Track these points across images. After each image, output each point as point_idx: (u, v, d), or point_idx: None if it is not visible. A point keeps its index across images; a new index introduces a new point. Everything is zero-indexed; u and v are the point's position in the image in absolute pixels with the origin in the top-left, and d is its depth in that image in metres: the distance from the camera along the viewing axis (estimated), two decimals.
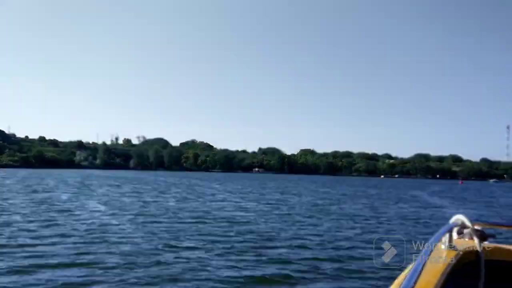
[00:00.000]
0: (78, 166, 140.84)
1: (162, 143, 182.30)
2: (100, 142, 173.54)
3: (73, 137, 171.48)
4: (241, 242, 11.63)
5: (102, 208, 19.93)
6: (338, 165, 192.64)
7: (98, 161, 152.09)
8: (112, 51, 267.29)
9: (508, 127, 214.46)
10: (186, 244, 11.10)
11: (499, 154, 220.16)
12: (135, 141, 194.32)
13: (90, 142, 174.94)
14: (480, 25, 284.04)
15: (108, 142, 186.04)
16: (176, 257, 9.33)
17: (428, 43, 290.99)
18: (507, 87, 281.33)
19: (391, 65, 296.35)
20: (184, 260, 9.06)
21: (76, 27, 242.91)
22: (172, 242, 11.16)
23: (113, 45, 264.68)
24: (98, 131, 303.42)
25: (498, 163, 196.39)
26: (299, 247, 11.20)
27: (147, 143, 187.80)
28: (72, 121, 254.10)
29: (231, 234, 12.95)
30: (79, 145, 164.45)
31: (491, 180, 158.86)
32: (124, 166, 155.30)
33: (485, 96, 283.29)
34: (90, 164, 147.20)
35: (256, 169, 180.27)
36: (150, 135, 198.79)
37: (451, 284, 1.65)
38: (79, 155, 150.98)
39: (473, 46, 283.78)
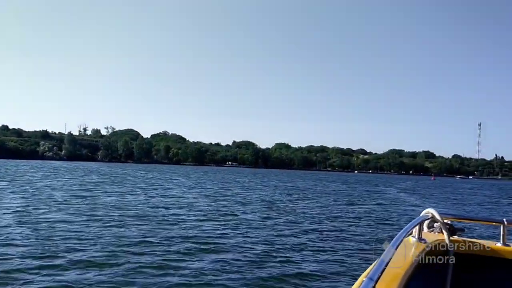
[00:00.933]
0: (41, 157, 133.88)
1: (132, 135, 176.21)
2: (68, 132, 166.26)
3: (41, 128, 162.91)
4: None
5: None
6: (313, 159, 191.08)
7: (63, 152, 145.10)
8: (86, 38, 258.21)
9: (479, 125, 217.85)
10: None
11: (470, 151, 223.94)
12: (104, 132, 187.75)
13: (57, 132, 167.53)
14: (454, 20, 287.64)
15: (76, 133, 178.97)
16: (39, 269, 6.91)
17: (402, 41, 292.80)
18: (480, 85, 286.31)
19: (367, 62, 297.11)
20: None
21: (44, 10, 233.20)
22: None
23: (87, 32, 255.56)
24: (66, 121, 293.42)
25: (469, 160, 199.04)
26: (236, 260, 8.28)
27: (116, 134, 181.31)
28: (39, 110, 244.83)
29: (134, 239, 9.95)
30: (44, 135, 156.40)
31: (458, 177, 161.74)
32: (92, 158, 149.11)
33: (458, 94, 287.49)
34: (55, 155, 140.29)
35: (229, 163, 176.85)
36: (121, 126, 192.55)
37: (419, 276, 1.65)
38: (43, 146, 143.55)
39: (447, 43, 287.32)
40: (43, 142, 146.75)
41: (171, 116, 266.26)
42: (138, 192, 24.51)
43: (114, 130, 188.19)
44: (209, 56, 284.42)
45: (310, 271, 7.59)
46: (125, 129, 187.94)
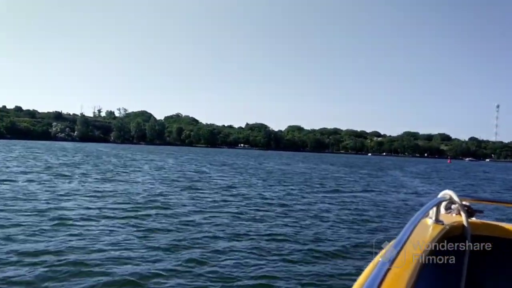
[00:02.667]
0: (54, 138, 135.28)
1: (145, 117, 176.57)
2: (81, 114, 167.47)
3: (56, 109, 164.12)
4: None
5: None
6: (326, 142, 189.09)
7: (76, 133, 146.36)
8: (98, 24, 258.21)
9: (497, 106, 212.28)
10: None
11: (487, 133, 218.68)
12: (117, 114, 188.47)
13: (71, 113, 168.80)
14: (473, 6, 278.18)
15: (91, 115, 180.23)
16: None
17: (416, 22, 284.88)
18: (497, 66, 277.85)
19: (380, 43, 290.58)
20: None
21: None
22: None
23: (99, 18, 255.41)
24: (82, 103, 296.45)
25: (486, 142, 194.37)
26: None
27: (129, 116, 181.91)
28: (55, 92, 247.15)
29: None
30: (57, 116, 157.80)
31: (467, 159, 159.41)
32: (104, 139, 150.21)
33: (475, 75, 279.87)
34: (67, 136, 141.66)
35: (242, 145, 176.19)
36: (135, 108, 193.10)
37: (436, 258, 1.67)
38: (55, 127, 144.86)
39: (463, 26, 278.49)
40: (55, 123, 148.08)
41: (184, 98, 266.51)
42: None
43: (127, 112, 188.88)
44: (222, 39, 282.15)
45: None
46: (139, 111, 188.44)
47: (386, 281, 0.95)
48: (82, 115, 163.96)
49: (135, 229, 8.78)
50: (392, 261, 1.11)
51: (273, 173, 31.10)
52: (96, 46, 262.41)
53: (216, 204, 13.07)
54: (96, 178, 19.51)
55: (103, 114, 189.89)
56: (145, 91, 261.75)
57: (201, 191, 16.34)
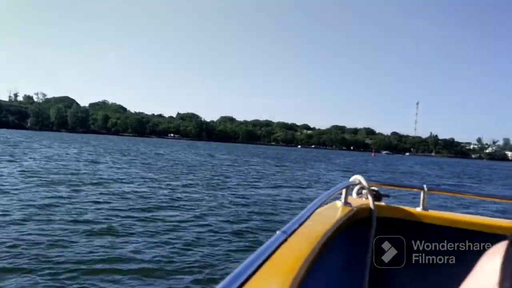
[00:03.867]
0: None
1: (68, 103, 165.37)
2: None
3: None
4: None
5: None
6: (257, 133, 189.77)
7: None
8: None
9: (417, 103, 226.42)
10: None
11: (408, 129, 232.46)
12: (36, 99, 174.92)
13: None
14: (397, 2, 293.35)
15: (6, 99, 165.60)
16: None
17: (345, 16, 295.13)
18: (418, 65, 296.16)
19: (309, 37, 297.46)
20: None
21: None
22: None
23: None
24: None
25: (406, 137, 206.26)
26: None
27: (50, 101, 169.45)
28: None
29: None
30: None
31: (383, 152, 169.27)
32: (20, 126, 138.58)
33: (398, 73, 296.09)
34: None
35: (172, 134, 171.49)
36: (57, 94, 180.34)
37: (341, 236, 1.71)
38: None
39: (391, 24, 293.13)
40: None
41: (111, 85, 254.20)
42: None
43: (47, 97, 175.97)
44: (153, 22, 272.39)
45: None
46: (61, 97, 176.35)
47: (280, 251, 0.91)
48: None
49: None
50: (290, 234, 1.06)
51: (178, 164, 29.26)
52: (13, 25, 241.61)
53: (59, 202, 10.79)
54: None
55: (20, 98, 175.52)
56: (68, 76, 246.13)
57: (55, 186, 13.63)
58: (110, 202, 11.24)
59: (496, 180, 38.67)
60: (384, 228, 2.20)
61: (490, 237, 2.10)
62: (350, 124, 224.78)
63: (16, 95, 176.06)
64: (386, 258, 2.24)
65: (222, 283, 0.59)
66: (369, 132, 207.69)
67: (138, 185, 15.46)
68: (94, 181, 15.44)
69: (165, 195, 13.25)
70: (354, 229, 1.97)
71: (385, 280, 2.27)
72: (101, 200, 11.55)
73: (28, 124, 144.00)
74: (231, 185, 17.60)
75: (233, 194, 14.80)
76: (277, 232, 1.00)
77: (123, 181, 16.40)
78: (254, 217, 10.49)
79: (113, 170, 20.71)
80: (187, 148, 66.46)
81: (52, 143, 49.66)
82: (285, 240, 0.98)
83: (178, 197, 13.05)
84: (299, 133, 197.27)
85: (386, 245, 2.25)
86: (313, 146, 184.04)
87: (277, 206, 12.75)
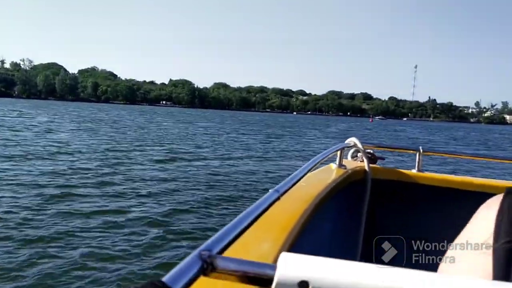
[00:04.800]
0: None
1: (55, 69, 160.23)
2: None
3: None
4: None
5: None
6: (252, 100, 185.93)
7: None
8: None
9: (415, 67, 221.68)
10: None
11: (406, 93, 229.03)
12: (23, 66, 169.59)
13: None
14: None
15: None
16: None
17: None
18: (416, 27, 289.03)
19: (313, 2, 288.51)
20: None
21: None
22: None
23: None
24: None
25: (404, 102, 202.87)
26: None
27: (37, 68, 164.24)
28: None
29: None
30: None
31: (377, 117, 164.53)
32: (6, 94, 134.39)
33: (395, 36, 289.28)
34: None
35: (164, 102, 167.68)
36: (44, 61, 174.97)
37: (335, 198, 1.71)
38: None
39: None
40: None
41: (101, 51, 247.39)
42: None
43: (34, 64, 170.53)
44: None
45: None
46: (48, 63, 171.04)
47: (272, 209, 0.88)
48: None
49: None
50: (282, 193, 1.01)
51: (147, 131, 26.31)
52: None
53: None
54: None
55: (7, 65, 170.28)
56: (55, 42, 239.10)
57: None
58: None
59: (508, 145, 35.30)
60: (379, 190, 2.21)
61: (486, 197, 1.98)
62: (347, 89, 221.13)
63: (3, 62, 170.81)
64: (380, 220, 2.27)
65: (213, 238, 0.55)
66: (366, 97, 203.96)
67: (91, 158, 12.91)
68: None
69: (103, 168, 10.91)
70: (348, 191, 1.98)
71: (377, 242, 2.11)
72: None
73: (16, 92, 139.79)
74: (205, 156, 14.85)
75: (205, 166, 12.37)
76: (270, 190, 0.96)
77: (72, 152, 13.93)
78: (221, 195, 8.51)
79: (68, 140, 17.85)
80: (174, 115, 63.46)
81: (28, 111, 46.40)
82: (278, 198, 0.94)
83: (120, 172, 10.65)
84: (294, 99, 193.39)
85: (380, 207, 2.25)
86: (309, 112, 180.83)
87: (255, 180, 10.55)
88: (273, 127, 45.42)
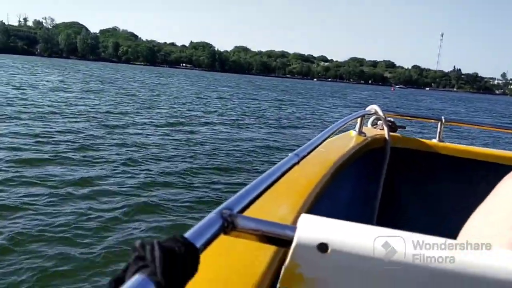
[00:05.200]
0: None
1: (77, 28, 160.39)
2: (8, 23, 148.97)
3: None
4: None
5: None
6: (272, 65, 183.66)
7: None
8: None
9: (442, 35, 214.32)
10: None
11: (430, 62, 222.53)
12: (45, 24, 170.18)
13: None
14: None
15: (15, 23, 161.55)
16: None
17: None
18: None
19: None
20: None
21: None
22: None
23: None
24: (8, 11, 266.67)
25: (428, 71, 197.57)
26: None
27: (59, 26, 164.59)
28: None
29: None
30: None
31: (397, 86, 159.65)
32: (29, 52, 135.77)
33: (423, 2, 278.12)
34: None
35: (184, 64, 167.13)
36: (66, 19, 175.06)
37: (354, 165, 1.72)
38: None
39: None
40: None
41: (122, 11, 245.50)
42: None
43: (56, 23, 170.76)
44: None
45: None
46: (70, 22, 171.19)
47: (291, 173, 0.87)
48: (2, 23, 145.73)
49: None
50: (302, 157, 0.99)
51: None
52: None
53: None
54: None
55: (29, 23, 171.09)
56: (77, 1, 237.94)
57: None
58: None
59: None
60: (398, 159, 2.18)
61: (509, 169, 2.05)
62: (369, 57, 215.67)
63: (25, 19, 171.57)
64: (398, 188, 2.25)
65: (233, 197, 0.55)
66: (389, 65, 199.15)
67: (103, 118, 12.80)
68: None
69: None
70: (367, 159, 1.97)
71: (394, 210, 2.26)
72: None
73: (38, 51, 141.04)
74: (215, 121, 14.65)
75: (213, 132, 11.97)
76: (290, 154, 0.95)
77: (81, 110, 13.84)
78: (228, 161, 8.24)
79: (76, 99, 18.04)
80: (190, 78, 63.29)
81: (44, 70, 46.87)
82: (297, 162, 0.93)
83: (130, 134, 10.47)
84: (315, 65, 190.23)
85: (398, 176, 2.22)
86: (329, 79, 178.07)
87: (267, 147, 10.26)
88: (290, 93, 45.09)
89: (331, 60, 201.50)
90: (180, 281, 0.35)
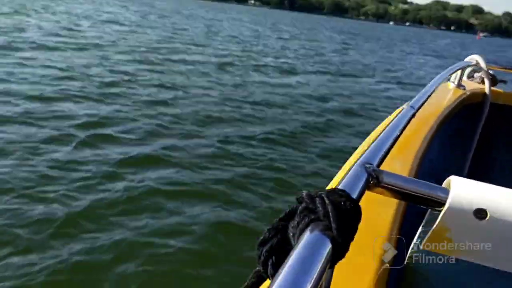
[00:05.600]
0: None
1: None
2: None
3: None
4: None
5: None
6: (345, 5, 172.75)
7: None
8: None
9: None
10: None
11: None
12: None
13: None
14: None
15: None
16: None
17: None
18: None
19: None
20: None
21: None
22: None
23: None
24: None
25: None
26: None
27: None
28: None
29: None
30: None
31: (482, 34, 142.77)
32: None
33: None
34: None
35: (253, 1, 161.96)
36: None
37: (453, 120, 1.72)
38: None
39: None
40: None
41: None
42: None
43: None
44: None
45: None
46: None
47: (407, 129, 0.89)
48: None
49: None
50: (417, 109, 1.02)
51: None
52: None
53: None
54: None
55: None
56: None
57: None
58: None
59: None
60: (497, 115, 2.08)
61: None
62: (454, 0, 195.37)
63: None
64: (494, 144, 2.19)
65: (369, 150, 0.53)
66: (476, 10, 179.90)
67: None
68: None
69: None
70: (465, 112, 1.90)
71: (489, 164, 2.19)
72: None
73: None
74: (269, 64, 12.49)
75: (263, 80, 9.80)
76: (404, 106, 0.98)
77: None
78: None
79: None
80: (252, 15, 60.10)
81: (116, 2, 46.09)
82: (413, 115, 0.95)
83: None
84: (393, 8, 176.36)
85: (496, 133, 2.16)
86: (407, 23, 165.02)
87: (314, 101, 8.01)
88: (364, 38, 40.90)
89: (411, 3, 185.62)
90: (350, 238, 0.34)
